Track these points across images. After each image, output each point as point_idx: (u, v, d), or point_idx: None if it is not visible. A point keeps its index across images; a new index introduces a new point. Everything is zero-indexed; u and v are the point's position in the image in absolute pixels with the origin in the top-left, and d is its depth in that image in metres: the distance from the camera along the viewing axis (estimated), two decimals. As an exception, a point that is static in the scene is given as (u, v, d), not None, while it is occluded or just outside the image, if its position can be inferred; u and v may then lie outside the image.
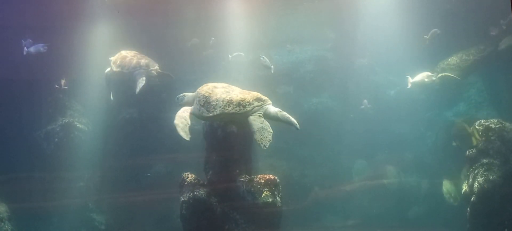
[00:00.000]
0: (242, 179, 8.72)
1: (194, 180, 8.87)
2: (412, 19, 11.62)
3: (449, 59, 11.75)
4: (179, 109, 8.17)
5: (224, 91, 7.81)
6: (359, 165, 12.47)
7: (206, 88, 8.03)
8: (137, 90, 10.67)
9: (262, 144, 7.41)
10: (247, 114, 7.65)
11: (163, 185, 11.74)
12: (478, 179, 9.27)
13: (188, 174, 8.97)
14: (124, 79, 11.25)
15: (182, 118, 7.81)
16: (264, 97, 7.91)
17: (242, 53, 11.87)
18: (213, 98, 7.68)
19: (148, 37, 12.62)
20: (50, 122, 12.53)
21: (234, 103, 7.63)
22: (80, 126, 12.56)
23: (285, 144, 12.81)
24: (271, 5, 12.28)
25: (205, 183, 8.95)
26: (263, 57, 10.49)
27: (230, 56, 12.06)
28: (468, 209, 9.42)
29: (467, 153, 9.76)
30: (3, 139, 11.93)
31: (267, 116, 7.85)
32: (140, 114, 12.84)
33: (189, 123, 7.80)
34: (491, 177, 9.17)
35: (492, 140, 9.44)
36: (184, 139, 7.70)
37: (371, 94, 12.77)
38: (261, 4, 12.10)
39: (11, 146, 11.99)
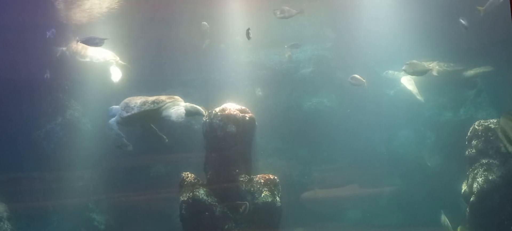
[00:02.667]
0: (242, 179, 8.73)
1: (193, 179, 8.87)
2: (412, 19, 11.61)
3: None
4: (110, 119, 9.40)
5: (142, 97, 9.12)
6: None
7: (128, 98, 9.28)
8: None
9: (175, 118, 8.58)
10: (160, 110, 8.79)
11: (162, 184, 11.75)
12: (478, 179, 9.28)
13: (187, 174, 8.98)
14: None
15: (117, 134, 9.25)
16: (177, 97, 9.03)
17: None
18: (132, 102, 8.98)
19: (148, 37, 12.61)
20: (50, 121, 12.52)
21: (149, 102, 8.87)
22: (80, 125, 12.57)
23: (284, 143, 12.83)
24: (271, 4, 12.27)
25: (205, 182, 8.95)
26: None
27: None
28: (467, 209, 9.43)
29: (467, 152, 9.76)
30: (3, 138, 11.93)
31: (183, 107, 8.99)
32: (140, 114, 12.82)
33: (123, 135, 9.17)
34: (490, 177, 9.18)
35: (491, 140, 9.44)
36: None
37: (371, 94, 12.76)
38: (261, 3, 12.08)
39: (11, 145, 11.99)
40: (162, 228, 11.75)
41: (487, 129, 9.54)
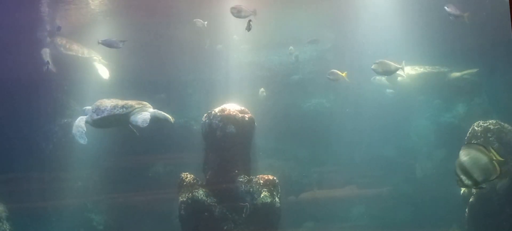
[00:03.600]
0: (241, 179, 8.72)
1: (192, 180, 8.87)
2: (411, 19, 11.62)
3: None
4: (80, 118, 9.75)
5: (113, 101, 9.50)
6: None
7: (99, 101, 9.62)
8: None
9: (141, 122, 9.02)
10: (129, 114, 9.13)
11: (161, 185, 11.74)
12: (477, 180, 9.27)
13: (186, 174, 8.97)
14: None
15: (79, 127, 9.59)
16: (145, 102, 9.44)
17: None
18: (102, 105, 9.39)
19: (148, 37, 12.60)
20: (49, 121, 12.51)
21: (119, 106, 9.28)
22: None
23: (284, 144, 12.81)
24: (271, 5, 12.27)
25: (204, 183, 8.94)
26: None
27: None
28: (466, 210, 9.43)
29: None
30: (2, 139, 11.91)
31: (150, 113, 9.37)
32: (139, 114, 12.81)
33: (85, 130, 9.55)
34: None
35: (490, 141, 9.43)
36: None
37: (370, 95, 12.77)
38: (261, 4, 12.08)
39: (10, 145, 11.97)
40: (161, 229, 11.73)
41: (486, 129, 9.54)
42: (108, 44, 10.14)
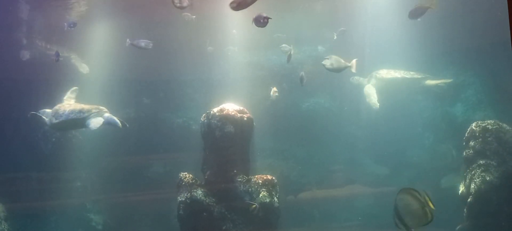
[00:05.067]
0: (240, 179, 8.73)
1: (191, 180, 8.87)
2: (408, 20, 11.63)
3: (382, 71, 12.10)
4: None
5: (71, 105, 9.95)
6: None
7: (58, 105, 10.00)
8: None
9: (92, 126, 9.44)
10: (85, 119, 9.51)
11: (160, 185, 11.73)
12: (475, 180, 9.29)
13: (185, 174, 8.97)
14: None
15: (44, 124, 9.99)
16: (102, 107, 9.74)
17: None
18: (61, 109, 9.79)
19: (147, 37, 12.58)
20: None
21: (76, 111, 9.68)
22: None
23: (283, 144, 12.80)
24: (269, 5, 12.26)
25: (203, 183, 8.95)
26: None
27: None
28: (465, 210, 9.44)
29: (464, 153, 9.78)
30: (1, 139, 11.89)
31: (103, 119, 9.75)
32: (137, 114, 12.83)
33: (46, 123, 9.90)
34: (488, 178, 9.20)
35: (489, 141, 9.46)
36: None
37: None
38: (260, 4, 12.07)
39: (9, 145, 11.96)
40: (160, 229, 11.74)
41: (485, 129, 9.57)
42: (137, 45, 10.17)
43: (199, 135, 9.48)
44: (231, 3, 6.87)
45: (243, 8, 6.44)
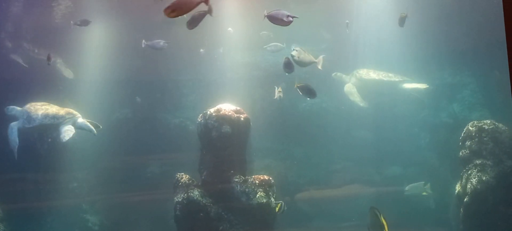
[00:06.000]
0: (237, 180, 8.72)
1: (188, 180, 8.85)
2: (408, 20, 11.65)
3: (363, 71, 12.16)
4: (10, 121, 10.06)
5: (43, 108, 9.85)
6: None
7: (28, 106, 9.91)
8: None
9: (64, 138, 9.52)
10: (59, 124, 9.58)
11: (157, 185, 11.71)
12: (471, 180, 9.32)
13: (182, 175, 8.96)
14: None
15: (13, 142, 10.00)
16: (75, 112, 9.88)
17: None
18: (33, 114, 9.70)
19: (143, 37, 12.56)
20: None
21: (50, 116, 9.67)
22: (74, 126, 12.50)
23: (280, 144, 12.81)
24: (266, 5, 12.25)
25: (200, 183, 8.93)
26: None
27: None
28: (461, 209, 9.46)
29: (460, 153, 9.81)
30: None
31: (76, 125, 9.91)
32: (134, 114, 12.82)
33: (18, 143, 9.94)
34: (484, 178, 9.22)
35: (485, 141, 9.48)
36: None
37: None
38: (256, 4, 12.06)
39: (4, 146, 11.90)
40: (157, 229, 11.71)
41: (481, 129, 9.59)
42: (152, 46, 10.12)
43: (196, 135, 9.46)
44: (165, 9, 6.66)
45: (180, 15, 6.31)
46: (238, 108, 9.30)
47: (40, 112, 9.74)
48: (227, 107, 9.15)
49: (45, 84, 11.87)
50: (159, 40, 10.10)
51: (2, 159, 11.54)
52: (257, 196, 8.55)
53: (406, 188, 11.29)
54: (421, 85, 12.06)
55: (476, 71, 12.32)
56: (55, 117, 9.60)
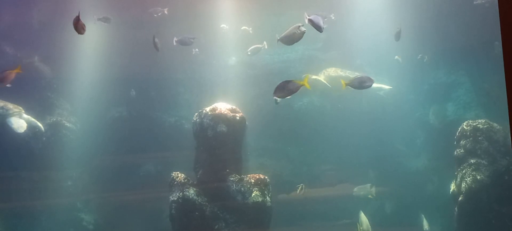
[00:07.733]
0: (232, 179, 8.71)
1: (183, 179, 8.84)
2: (403, 19, 11.68)
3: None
4: None
5: None
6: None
7: None
8: None
9: (17, 128, 9.80)
10: (6, 116, 9.90)
11: (152, 184, 11.68)
12: (466, 179, 9.35)
13: (177, 173, 8.94)
14: None
15: None
16: (20, 108, 10.27)
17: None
18: None
19: (138, 35, 12.53)
20: (38, 120, 12.37)
21: None
22: (68, 124, 12.44)
23: (275, 143, 12.80)
24: (262, 4, 12.26)
25: (195, 182, 8.92)
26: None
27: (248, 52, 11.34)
28: (455, 208, 9.50)
29: (455, 152, 9.84)
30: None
31: (23, 119, 10.22)
32: (129, 113, 12.78)
33: None
34: (478, 177, 9.26)
35: (479, 140, 9.52)
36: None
37: (361, 94, 12.79)
38: (253, 3, 12.06)
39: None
40: (152, 228, 11.68)
41: (476, 129, 9.63)
42: (182, 42, 10.18)
43: (192, 134, 9.44)
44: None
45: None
46: (234, 107, 9.29)
47: None
48: (222, 106, 9.14)
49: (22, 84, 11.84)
50: (188, 36, 10.06)
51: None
52: (252, 195, 8.55)
53: (355, 189, 11.52)
54: (386, 86, 12.37)
55: (471, 71, 12.36)
56: (4, 107, 10.00)
